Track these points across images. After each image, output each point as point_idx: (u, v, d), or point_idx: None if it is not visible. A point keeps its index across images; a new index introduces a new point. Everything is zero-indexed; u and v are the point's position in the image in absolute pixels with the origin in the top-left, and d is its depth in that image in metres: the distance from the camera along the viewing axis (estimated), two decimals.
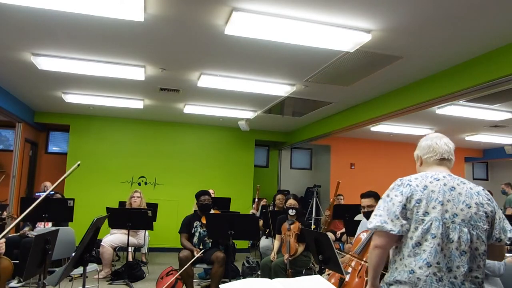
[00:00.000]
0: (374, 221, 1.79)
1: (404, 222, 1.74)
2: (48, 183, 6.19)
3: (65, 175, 2.63)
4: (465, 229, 1.70)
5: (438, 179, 1.79)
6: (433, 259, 1.67)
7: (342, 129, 6.57)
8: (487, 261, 1.91)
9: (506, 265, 2.52)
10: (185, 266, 4.00)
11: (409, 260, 1.72)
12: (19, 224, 5.32)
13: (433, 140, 1.90)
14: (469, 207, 1.73)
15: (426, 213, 1.72)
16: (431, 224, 1.70)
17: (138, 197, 5.75)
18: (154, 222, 5.47)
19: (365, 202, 3.45)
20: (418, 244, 1.71)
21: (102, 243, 5.30)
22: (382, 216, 1.77)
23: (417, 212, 1.73)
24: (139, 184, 7.78)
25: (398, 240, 1.79)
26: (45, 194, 2.69)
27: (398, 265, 1.78)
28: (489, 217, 1.75)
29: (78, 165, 2.56)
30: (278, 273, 3.98)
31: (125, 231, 5.21)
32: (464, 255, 1.67)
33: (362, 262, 3.07)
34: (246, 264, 5.55)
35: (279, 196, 5.91)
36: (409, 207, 1.75)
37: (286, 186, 9.41)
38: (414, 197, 1.75)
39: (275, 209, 5.84)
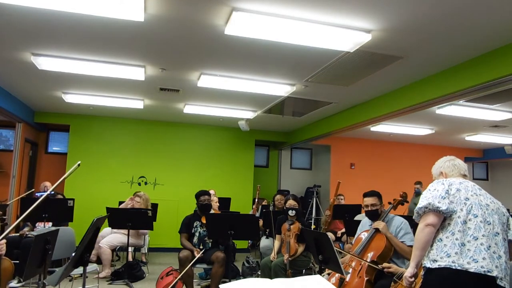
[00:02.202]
0: (423, 203, 2.10)
1: (449, 202, 2.07)
2: (48, 183, 6.19)
3: (65, 176, 2.63)
4: (496, 216, 2.07)
5: (469, 182, 2.21)
6: (479, 233, 2.00)
7: (342, 129, 6.57)
8: None
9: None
10: (186, 268, 4.00)
11: (458, 235, 2.01)
12: (19, 224, 5.31)
13: (455, 161, 2.35)
14: (494, 203, 2.14)
15: (467, 198, 2.09)
16: (472, 206, 2.06)
17: (138, 201, 5.75)
18: (154, 222, 5.48)
19: (369, 201, 3.43)
20: (465, 222, 2.03)
21: (100, 244, 5.28)
22: (430, 199, 2.09)
23: (460, 197, 2.09)
24: (139, 184, 7.78)
25: (441, 223, 2.09)
26: (45, 194, 2.68)
27: (447, 241, 2.04)
28: (505, 216, 2.14)
29: (79, 165, 2.56)
30: (278, 273, 3.97)
31: (124, 231, 5.22)
32: (498, 236, 2.02)
33: (362, 262, 3.07)
34: (246, 264, 5.55)
35: (278, 196, 5.92)
36: (451, 193, 2.10)
37: (286, 186, 9.41)
38: (453, 186, 2.13)
39: (275, 209, 5.85)
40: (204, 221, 4.53)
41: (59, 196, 5.74)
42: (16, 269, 3.22)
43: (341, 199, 6.46)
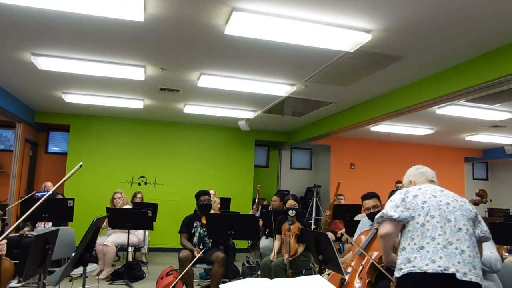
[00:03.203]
0: (380, 213, 2.26)
1: (403, 209, 2.18)
2: (49, 183, 6.18)
3: (67, 176, 2.62)
4: (458, 212, 2.14)
5: (430, 186, 2.32)
6: (434, 233, 2.07)
7: (342, 129, 6.57)
8: (484, 257, 2.29)
9: (503, 264, 2.53)
10: (186, 268, 4.00)
11: (417, 239, 2.09)
12: (19, 224, 5.31)
13: (422, 169, 2.49)
14: (457, 201, 2.21)
15: (424, 202, 2.18)
16: (429, 208, 2.14)
17: (119, 197, 5.70)
18: (154, 222, 5.47)
19: (370, 203, 3.44)
20: (423, 225, 2.11)
21: (105, 243, 5.27)
22: (386, 208, 2.24)
23: (417, 202, 2.18)
24: (139, 184, 7.78)
25: (399, 230, 2.22)
26: (47, 194, 2.68)
27: (409, 248, 2.12)
28: (472, 212, 2.18)
29: (80, 166, 2.56)
30: (278, 273, 3.97)
31: (122, 230, 5.21)
32: (460, 232, 2.08)
33: (363, 262, 3.07)
34: (246, 264, 5.55)
35: (274, 197, 5.94)
36: (407, 200, 2.21)
37: (286, 186, 9.41)
38: (411, 193, 2.24)
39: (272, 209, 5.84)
40: (204, 221, 4.53)
41: (59, 196, 5.73)
42: (16, 269, 3.21)
43: (341, 199, 6.47)
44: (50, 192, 2.86)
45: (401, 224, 2.19)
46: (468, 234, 2.08)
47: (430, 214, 2.12)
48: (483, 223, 2.20)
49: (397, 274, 2.14)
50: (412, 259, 2.07)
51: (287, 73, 4.62)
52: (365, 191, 3.58)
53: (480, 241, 2.16)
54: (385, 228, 2.21)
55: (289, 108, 6.55)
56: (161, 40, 3.75)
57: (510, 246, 4.68)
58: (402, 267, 2.11)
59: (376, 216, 2.28)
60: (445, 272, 1.97)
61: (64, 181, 2.63)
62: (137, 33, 3.60)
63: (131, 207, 5.73)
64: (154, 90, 5.62)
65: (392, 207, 2.21)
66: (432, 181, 2.42)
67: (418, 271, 2.01)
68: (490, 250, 2.42)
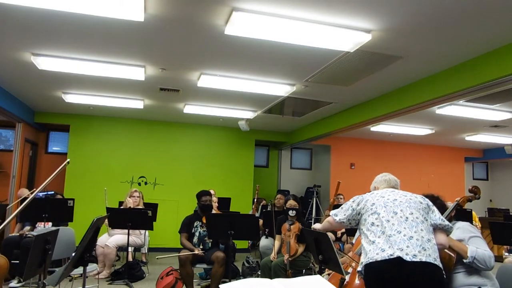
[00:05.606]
0: (334, 211, 2.69)
1: (349, 215, 2.55)
2: (24, 190, 5.98)
3: (54, 174, 2.62)
4: (405, 205, 2.38)
5: (383, 190, 2.59)
6: (383, 227, 2.31)
7: (342, 129, 6.57)
8: (478, 255, 2.40)
9: (503, 264, 2.53)
10: (185, 259, 3.99)
11: (371, 236, 2.34)
12: (10, 222, 5.29)
13: (386, 176, 2.77)
14: (405, 196, 2.45)
15: (373, 204, 2.45)
16: (377, 208, 2.41)
17: (138, 196, 5.69)
18: (154, 222, 5.47)
19: None
20: (372, 223, 2.37)
21: (107, 243, 5.27)
22: (338, 210, 2.65)
23: (367, 205, 2.46)
24: (139, 184, 7.78)
25: (339, 226, 2.72)
26: (35, 193, 2.69)
27: (365, 244, 2.36)
28: (422, 204, 2.41)
29: (68, 162, 2.58)
30: (278, 273, 3.97)
31: (123, 231, 5.21)
32: (407, 220, 2.29)
33: None
34: (246, 264, 5.55)
35: (279, 196, 5.92)
36: (358, 208, 2.51)
37: (286, 186, 9.41)
38: (364, 199, 2.53)
39: (275, 209, 5.84)
40: (205, 221, 4.53)
41: (58, 196, 5.73)
42: (16, 269, 3.20)
43: (341, 199, 6.46)
44: (36, 192, 2.83)
45: (342, 225, 2.62)
46: (418, 221, 2.30)
47: (377, 212, 2.38)
48: (436, 213, 2.42)
49: (359, 268, 2.36)
50: (368, 252, 2.30)
51: (287, 73, 4.62)
52: (365, 191, 3.57)
53: (437, 228, 2.38)
54: (329, 220, 2.70)
55: (289, 108, 6.55)
56: (161, 40, 3.75)
57: (510, 246, 4.68)
58: (362, 260, 2.33)
59: (332, 211, 2.66)
60: (391, 257, 2.16)
61: (52, 178, 2.62)
62: (137, 33, 3.60)
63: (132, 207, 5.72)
64: (154, 90, 5.62)
65: (342, 211, 2.60)
66: (393, 187, 2.67)
67: (371, 261, 2.24)
68: (483, 247, 2.44)
